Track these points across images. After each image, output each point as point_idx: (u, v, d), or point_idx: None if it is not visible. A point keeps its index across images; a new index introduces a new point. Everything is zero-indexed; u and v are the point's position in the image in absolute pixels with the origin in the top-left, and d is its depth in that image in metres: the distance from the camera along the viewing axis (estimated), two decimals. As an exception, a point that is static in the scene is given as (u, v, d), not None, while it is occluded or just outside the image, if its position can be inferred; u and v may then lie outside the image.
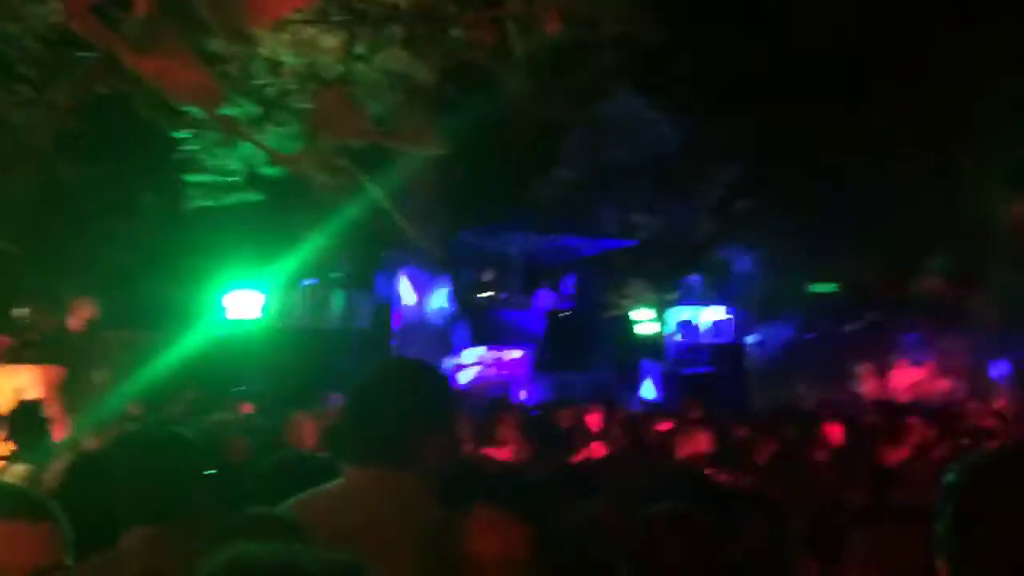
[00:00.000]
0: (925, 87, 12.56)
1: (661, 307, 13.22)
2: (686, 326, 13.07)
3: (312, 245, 9.37)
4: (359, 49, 7.35)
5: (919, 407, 8.32)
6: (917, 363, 12.91)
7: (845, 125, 12.77)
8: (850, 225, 13.03)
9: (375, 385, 1.88)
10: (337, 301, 11.25)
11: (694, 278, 13.66)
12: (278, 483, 2.70)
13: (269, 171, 9.20)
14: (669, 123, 14.20)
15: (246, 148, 8.91)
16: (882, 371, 13.08)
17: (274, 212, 10.18)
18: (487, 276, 12.59)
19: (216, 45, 7.89)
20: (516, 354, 11.42)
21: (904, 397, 11.97)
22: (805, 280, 13.94)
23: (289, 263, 9.92)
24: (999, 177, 12.71)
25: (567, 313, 12.85)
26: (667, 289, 13.45)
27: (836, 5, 12.33)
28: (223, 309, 9.71)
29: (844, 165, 13.02)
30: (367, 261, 11.39)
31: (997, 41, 12.08)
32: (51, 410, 5.65)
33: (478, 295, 12.50)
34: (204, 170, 10.02)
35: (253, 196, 10.17)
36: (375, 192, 6.84)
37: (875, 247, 13.10)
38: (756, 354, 13.17)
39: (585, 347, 12.32)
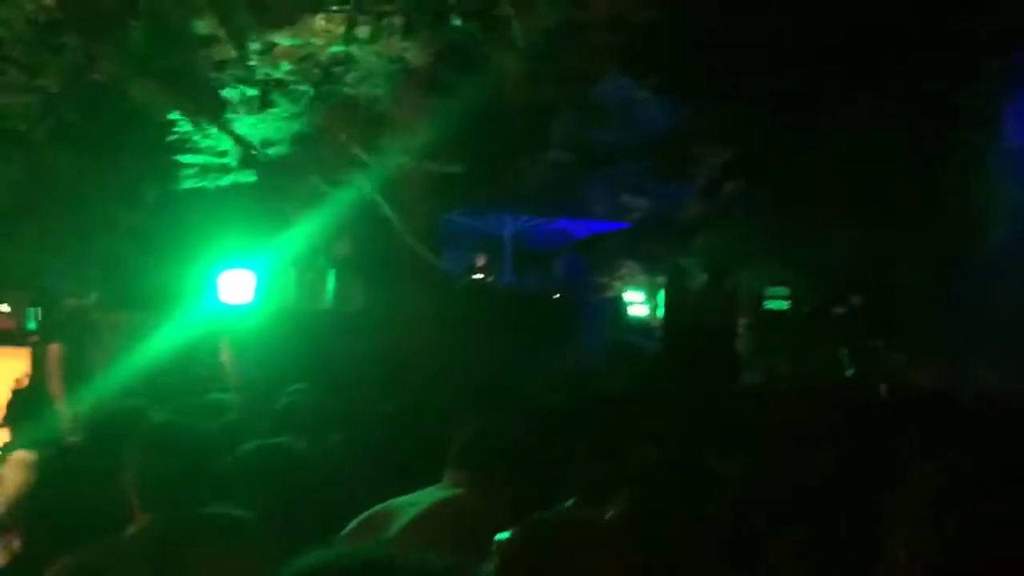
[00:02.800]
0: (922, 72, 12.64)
1: (653, 289, 13.31)
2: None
3: (306, 227, 9.40)
4: (358, 33, 7.36)
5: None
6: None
7: (840, 108, 12.85)
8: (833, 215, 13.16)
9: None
10: (331, 283, 11.30)
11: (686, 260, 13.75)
12: (256, 471, 2.78)
13: (264, 152, 9.21)
14: (659, 105, 14.24)
15: (242, 128, 8.92)
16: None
17: (268, 193, 10.19)
18: (479, 259, 12.64)
19: (205, 27, 7.89)
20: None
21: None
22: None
23: (283, 245, 9.95)
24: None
25: (559, 296, 12.94)
26: (658, 271, 13.54)
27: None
28: (216, 290, 9.73)
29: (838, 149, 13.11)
30: (361, 243, 11.43)
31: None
32: (51, 391, 5.70)
33: (470, 278, 12.56)
34: (197, 151, 10.02)
35: (247, 177, 10.18)
36: (363, 183, 6.87)
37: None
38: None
39: (577, 328, 12.41)
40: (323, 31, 7.23)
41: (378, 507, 2.39)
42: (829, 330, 13.54)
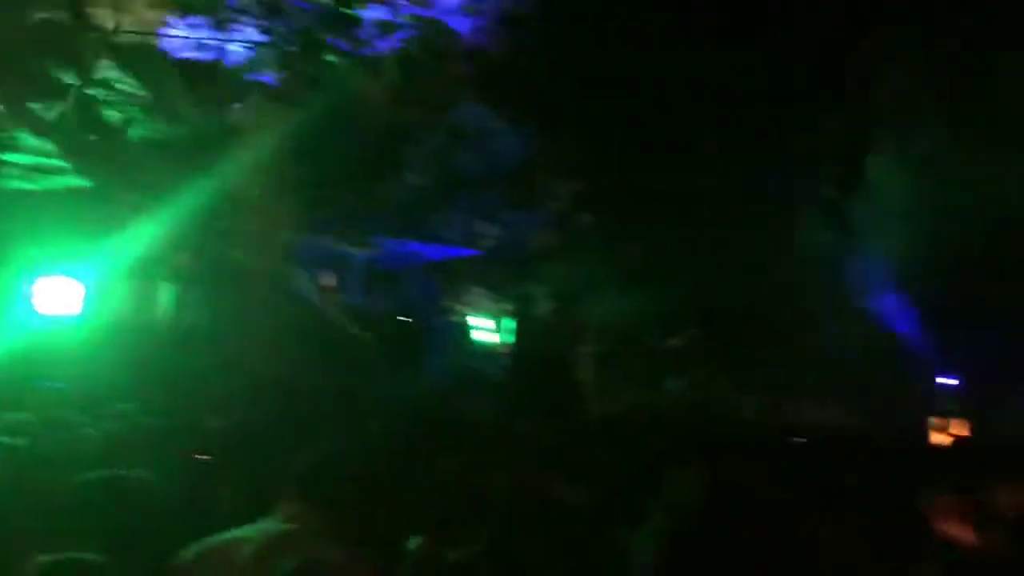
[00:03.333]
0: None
1: (500, 316, 13.46)
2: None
3: (143, 236, 8.91)
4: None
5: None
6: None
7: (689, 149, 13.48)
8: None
9: None
10: (165, 296, 10.72)
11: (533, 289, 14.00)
12: (97, 504, 2.61)
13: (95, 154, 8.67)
14: (515, 135, 14.49)
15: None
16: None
17: (99, 200, 9.62)
18: (326, 279, 12.39)
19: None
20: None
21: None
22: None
23: (115, 254, 9.39)
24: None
25: (406, 319, 12.86)
26: (506, 298, 13.72)
27: (684, 28, 12.97)
28: (34, 300, 9.06)
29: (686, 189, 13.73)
30: (203, 256, 10.94)
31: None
32: None
33: (317, 295, 12.28)
34: (22, 150, 9.33)
35: (77, 181, 9.57)
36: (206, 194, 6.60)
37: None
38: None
39: (423, 350, 12.37)
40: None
41: (211, 541, 2.27)
42: (668, 361, 14.14)
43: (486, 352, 13.11)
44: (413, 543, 2.26)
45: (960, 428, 11.86)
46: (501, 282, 13.88)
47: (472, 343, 13.09)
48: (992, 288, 11.93)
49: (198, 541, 2.21)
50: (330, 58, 9.64)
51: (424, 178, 14.29)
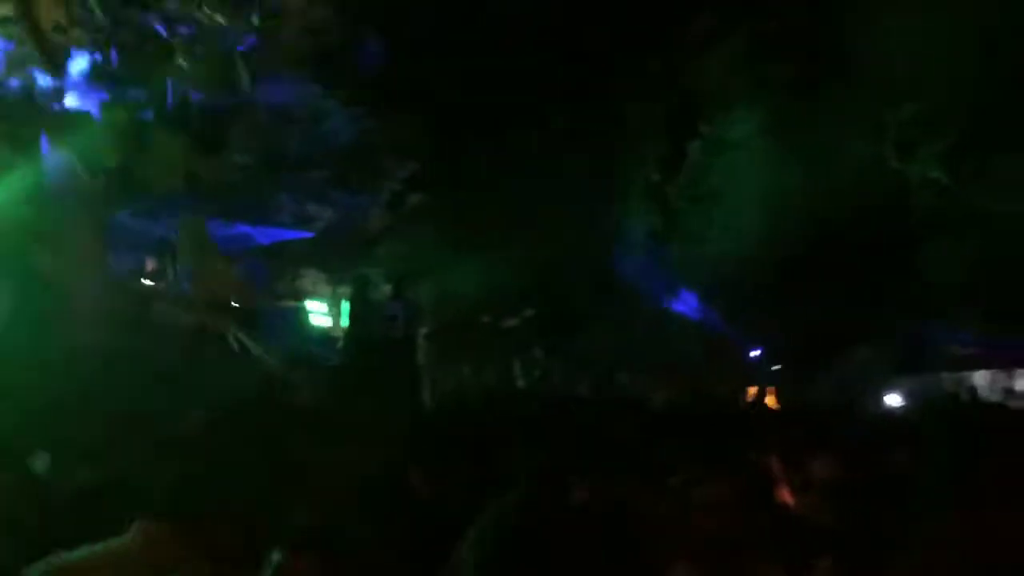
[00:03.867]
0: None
1: (336, 299, 13.24)
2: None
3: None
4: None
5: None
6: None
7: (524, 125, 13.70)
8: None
9: None
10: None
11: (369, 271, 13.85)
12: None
13: None
14: (345, 115, 14.22)
15: None
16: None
17: None
18: (149, 263, 11.74)
19: None
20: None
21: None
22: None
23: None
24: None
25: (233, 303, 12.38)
26: (342, 281, 13.50)
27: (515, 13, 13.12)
28: None
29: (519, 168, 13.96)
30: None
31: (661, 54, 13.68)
32: None
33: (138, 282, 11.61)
34: None
35: None
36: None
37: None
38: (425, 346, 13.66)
39: (256, 336, 11.97)
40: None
41: (56, 560, 2.13)
42: (503, 341, 14.40)
43: (322, 336, 12.87)
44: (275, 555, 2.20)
45: (772, 398, 12.74)
46: (336, 264, 13.64)
47: (308, 327, 12.80)
48: (808, 266, 12.84)
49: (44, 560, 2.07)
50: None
51: (252, 157, 13.78)
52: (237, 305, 10.83)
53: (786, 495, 3.78)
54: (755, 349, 14.09)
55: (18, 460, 4.07)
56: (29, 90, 7.13)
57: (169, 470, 2.34)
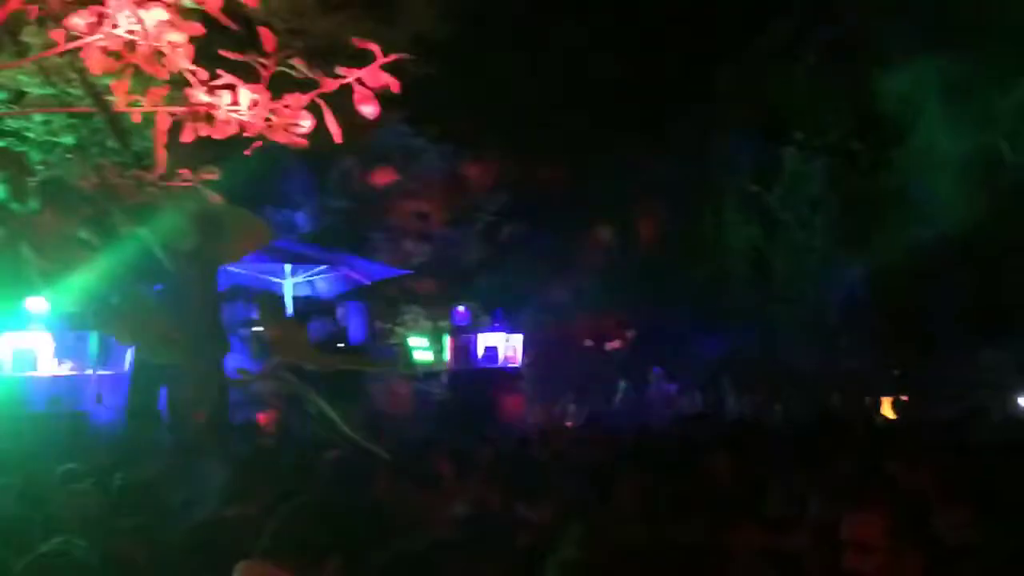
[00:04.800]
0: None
1: (437, 333, 13.34)
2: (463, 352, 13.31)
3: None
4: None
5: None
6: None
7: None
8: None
9: None
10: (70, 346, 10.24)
11: (468, 304, 13.93)
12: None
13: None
14: (436, 152, 14.45)
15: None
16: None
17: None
18: (256, 312, 12.09)
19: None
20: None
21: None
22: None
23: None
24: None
25: (343, 344, 12.63)
26: (441, 316, 13.62)
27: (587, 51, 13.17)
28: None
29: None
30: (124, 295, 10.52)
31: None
32: None
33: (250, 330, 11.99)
34: None
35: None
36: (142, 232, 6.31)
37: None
38: (528, 375, 13.63)
39: (362, 380, 12.16)
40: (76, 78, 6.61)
41: None
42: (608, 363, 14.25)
43: (427, 371, 12.98)
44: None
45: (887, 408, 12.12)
46: (436, 299, 13.78)
47: (412, 364, 12.94)
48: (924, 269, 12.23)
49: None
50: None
51: (346, 200, 14.11)
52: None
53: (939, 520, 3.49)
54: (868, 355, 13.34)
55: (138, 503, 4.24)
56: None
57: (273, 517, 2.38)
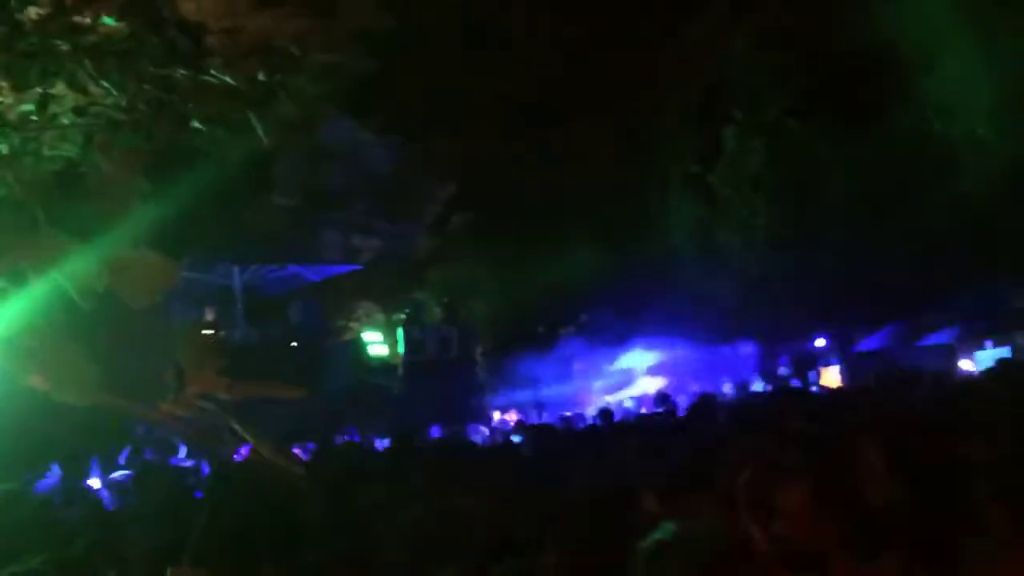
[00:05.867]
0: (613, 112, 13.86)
1: (391, 327, 13.38)
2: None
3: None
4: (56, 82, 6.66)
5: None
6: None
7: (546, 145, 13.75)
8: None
9: None
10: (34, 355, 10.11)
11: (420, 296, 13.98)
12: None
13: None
14: (382, 146, 14.40)
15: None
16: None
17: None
18: (209, 314, 12.02)
19: None
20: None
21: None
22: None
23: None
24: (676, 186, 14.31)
25: (294, 344, 12.61)
26: (395, 309, 13.65)
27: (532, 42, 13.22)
28: None
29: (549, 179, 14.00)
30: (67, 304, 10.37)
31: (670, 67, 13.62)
32: None
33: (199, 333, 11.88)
34: None
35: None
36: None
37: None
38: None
39: (317, 374, 12.14)
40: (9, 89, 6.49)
41: None
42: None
43: (383, 366, 13.00)
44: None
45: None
46: (388, 293, 13.79)
47: (366, 359, 12.95)
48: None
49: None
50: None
51: (294, 198, 14.02)
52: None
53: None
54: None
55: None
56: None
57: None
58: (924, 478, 3.10)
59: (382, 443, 7.95)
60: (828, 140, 12.64)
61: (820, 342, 12.86)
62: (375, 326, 13.42)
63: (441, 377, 12.61)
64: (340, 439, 9.10)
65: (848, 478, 2.93)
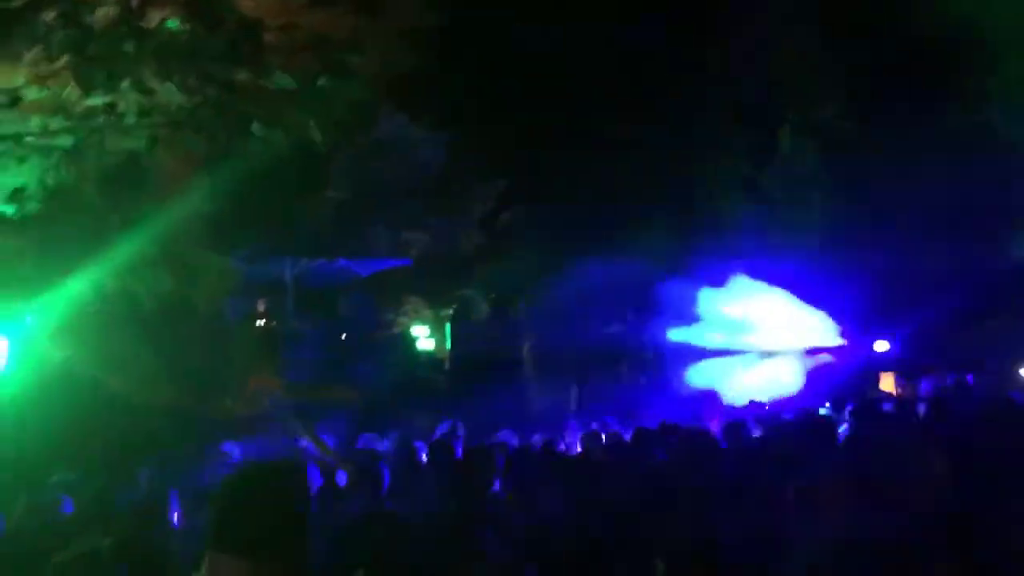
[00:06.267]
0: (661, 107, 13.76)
1: (439, 322, 13.48)
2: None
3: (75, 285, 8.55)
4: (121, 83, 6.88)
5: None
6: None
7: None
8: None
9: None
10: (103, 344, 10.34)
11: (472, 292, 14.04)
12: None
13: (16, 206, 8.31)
14: (433, 141, 14.49)
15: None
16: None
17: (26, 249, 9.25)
18: (260, 304, 12.25)
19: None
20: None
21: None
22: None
23: (45, 303, 9.06)
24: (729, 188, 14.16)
25: (344, 335, 12.78)
26: (443, 304, 13.74)
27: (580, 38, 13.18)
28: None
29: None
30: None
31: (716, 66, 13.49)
32: None
33: (252, 324, 12.14)
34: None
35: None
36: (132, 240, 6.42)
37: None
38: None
39: (367, 367, 12.28)
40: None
41: None
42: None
43: (429, 360, 13.11)
44: None
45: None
46: (436, 289, 13.88)
47: (414, 353, 13.08)
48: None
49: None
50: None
51: (346, 192, 14.17)
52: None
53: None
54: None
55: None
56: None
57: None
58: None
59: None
60: (884, 141, 12.42)
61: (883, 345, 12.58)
62: (423, 321, 13.52)
63: (489, 376, 12.65)
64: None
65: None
